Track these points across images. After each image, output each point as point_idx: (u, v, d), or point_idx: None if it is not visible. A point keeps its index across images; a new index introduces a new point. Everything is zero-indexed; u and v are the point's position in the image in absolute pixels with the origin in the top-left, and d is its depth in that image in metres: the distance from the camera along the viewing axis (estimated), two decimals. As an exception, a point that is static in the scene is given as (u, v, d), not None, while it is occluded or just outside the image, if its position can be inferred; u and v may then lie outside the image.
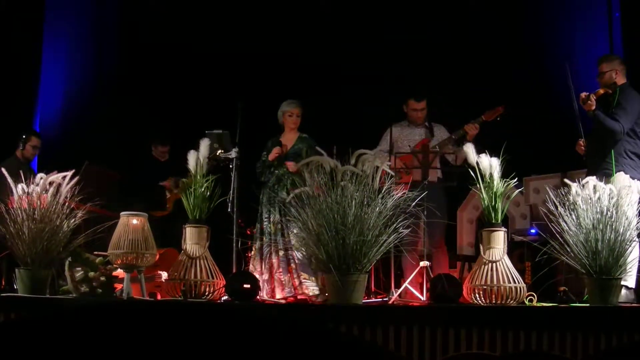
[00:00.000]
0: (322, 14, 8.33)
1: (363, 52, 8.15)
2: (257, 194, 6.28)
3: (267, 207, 6.14)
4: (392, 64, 8.04)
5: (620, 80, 5.70)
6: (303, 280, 5.94)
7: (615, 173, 5.41)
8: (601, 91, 5.66)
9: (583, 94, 5.56)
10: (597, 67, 5.78)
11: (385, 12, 8.26)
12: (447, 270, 6.27)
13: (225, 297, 5.03)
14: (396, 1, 8.28)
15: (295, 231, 5.72)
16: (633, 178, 5.41)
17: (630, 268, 4.75)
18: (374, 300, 5.76)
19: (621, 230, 4.64)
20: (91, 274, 4.94)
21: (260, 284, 5.93)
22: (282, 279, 5.99)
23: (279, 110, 6.35)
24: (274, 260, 6.03)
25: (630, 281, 5.08)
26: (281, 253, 6.01)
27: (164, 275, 5.96)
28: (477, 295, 4.74)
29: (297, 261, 5.95)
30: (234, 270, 5.71)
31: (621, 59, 5.91)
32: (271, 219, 6.10)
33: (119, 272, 5.19)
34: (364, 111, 7.66)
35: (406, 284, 5.69)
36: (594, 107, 5.51)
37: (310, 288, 5.91)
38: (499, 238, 4.81)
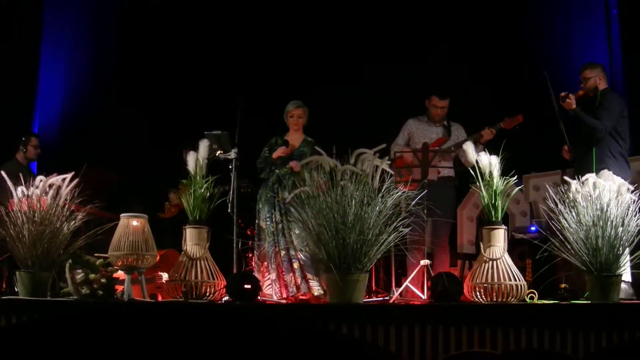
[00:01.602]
0: (322, 14, 8.33)
1: (362, 52, 8.15)
2: (254, 193, 6.26)
3: (267, 206, 6.11)
4: (391, 63, 8.04)
5: (602, 85, 5.88)
6: (310, 280, 5.92)
7: (599, 171, 5.44)
8: (581, 92, 5.83)
9: (562, 93, 5.68)
10: (580, 75, 5.92)
11: (384, 12, 8.25)
12: (447, 269, 6.27)
13: (226, 298, 5.03)
14: (395, 1, 8.28)
15: (297, 231, 5.74)
16: (618, 177, 5.45)
17: (623, 264, 4.76)
18: (374, 299, 5.76)
19: (621, 227, 4.64)
20: (92, 276, 4.93)
21: (269, 283, 5.95)
22: (285, 279, 5.98)
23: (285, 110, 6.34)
24: (278, 260, 6.01)
25: (626, 275, 5.09)
26: (282, 253, 5.98)
27: (165, 276, 5.96)
28: (477, 293, 4.74)
29: (300, 261, 5.93)
30: (235, 271, 5.71)
31: (603, 66, 6.06)
32: (273, 219, 6.07)
33: (120, 274, 5.18)
34: (364, 111, 7.67)
35: (407, 282, 5.70)
36: (574, 106, 5.65)
37: (316, 288, 5.90)
38: (499, 236, 4.81)
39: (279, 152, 6.15)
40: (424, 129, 6.46)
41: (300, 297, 5.85)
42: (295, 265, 5.95)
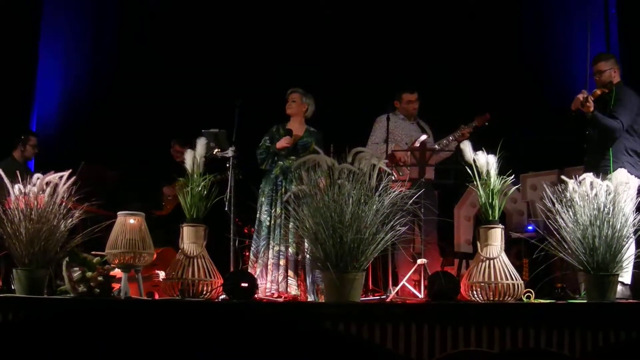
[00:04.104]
0: (322, 13, 8.33)
1: (361, 51, 8.15)
2: (254, 191, 6.23)
3: (267, 200, 6.00)
4: (391, 63, 8.04)
5: (616, 79, 5.71)
6: (289, 279, 5.84)
7: (615, 170, 5.42)
8: (598, 92, 5.64)
9: (581, 96, 5.51)
10: (593, 66, 5.75)
11: (383, 12, 8.26)
12: (438, 267, 6.27)
13: (222, 296, 5.03)
14: (396, 1, 8.28)
15: (292, 229, 5.73)
16: (632, 175, 5.43)
17: (626, 264, 4.75)
18: (371, 298, 5.76)
19: (618, 227, 4.65)
20: (89, 273, 4.93)
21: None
22: (272, 276, 5.87)
23: None
24: (268, 255, 5.91)
25: (625, 277, 5.08)
26: (276, 248, 5.88)
27: (162, 274, 5.95)
28: (474, 293, 4.73)
29: (289, 259, 5.86)
30: (232, 269, 5.70)
31: (616, 57, 5.90)
32: (272, 213, 5.97)
33: (117, 272, 5.18)
34: (362, 110, 7.66)
35: (404, 281, 5.69)
36: (592, 109, 5.49)
37: (293, 287, 5.82)
38: (496, 235, 4.80)
39: (283, 142, 6.03)
40: (403, 126, 6.45)
41: (282, 295, 5.81)
42: (282, 262, 5.85)
